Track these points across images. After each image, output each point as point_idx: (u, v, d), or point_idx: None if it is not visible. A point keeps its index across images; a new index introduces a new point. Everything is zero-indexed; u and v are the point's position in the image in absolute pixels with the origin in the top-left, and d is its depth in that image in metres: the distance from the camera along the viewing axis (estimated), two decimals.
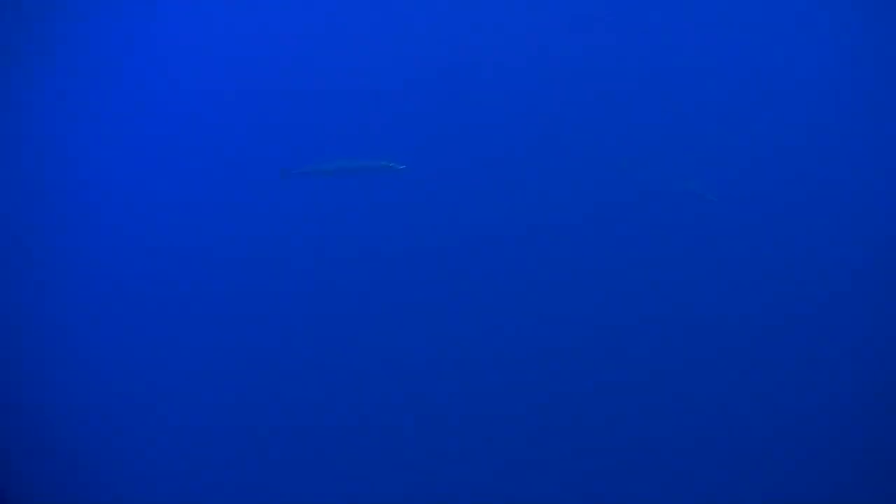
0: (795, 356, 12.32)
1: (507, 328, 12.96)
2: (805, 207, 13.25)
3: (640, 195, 13.56)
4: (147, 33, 14.57)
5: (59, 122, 14.18)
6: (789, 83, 13.83)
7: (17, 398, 12.41)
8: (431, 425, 12.41)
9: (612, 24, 14.42)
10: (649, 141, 13.83)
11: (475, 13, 14.66)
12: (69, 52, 14.19)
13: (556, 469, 12.03)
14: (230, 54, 14.66)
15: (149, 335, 13.10)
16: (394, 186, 13.74)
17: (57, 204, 13.93)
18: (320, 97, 14.58)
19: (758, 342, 12.49)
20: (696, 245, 13.18)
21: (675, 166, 13.59)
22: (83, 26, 14.29)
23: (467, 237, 13.61)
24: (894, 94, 13.16)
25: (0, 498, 11.61)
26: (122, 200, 14.08)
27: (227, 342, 13.11)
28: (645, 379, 12.46)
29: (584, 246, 13.30)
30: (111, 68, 14.45)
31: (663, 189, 12.82)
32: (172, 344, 13.03)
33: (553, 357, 12.71)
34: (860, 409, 11.87)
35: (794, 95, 13.77)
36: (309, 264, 13.65)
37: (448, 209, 13.79)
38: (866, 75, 13.42)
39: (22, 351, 12.74)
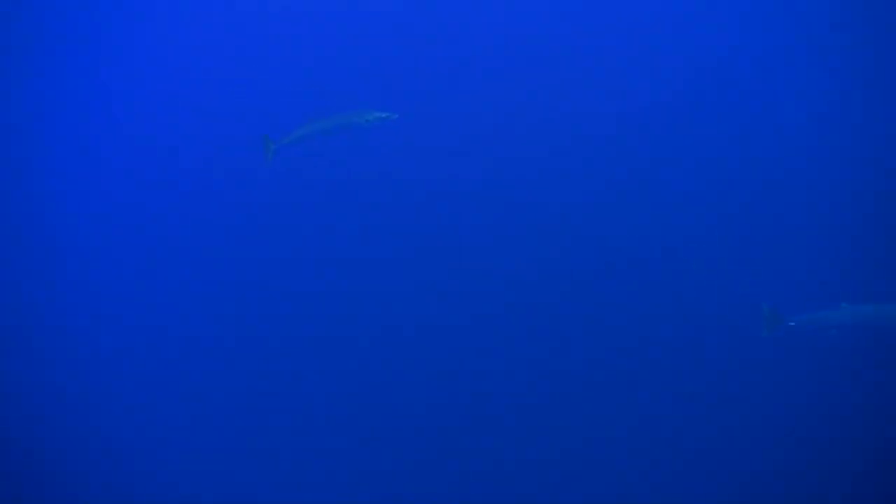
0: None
1: (504, 328, 12.99)
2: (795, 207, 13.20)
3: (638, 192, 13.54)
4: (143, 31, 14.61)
5: (57, 120, 14.25)
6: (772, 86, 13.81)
7: (16, 399, 12.53)
8: (425, 426, 12.48)
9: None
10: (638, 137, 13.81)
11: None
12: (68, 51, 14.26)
13: (554, 469, 12.08)
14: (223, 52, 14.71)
15: (143, 336, 13.21)
16: (390, 186, 13.81)
17: (53, 202, 14.03)
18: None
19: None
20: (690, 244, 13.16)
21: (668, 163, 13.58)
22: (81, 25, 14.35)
23: (464, 233, 13.62)
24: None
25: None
26: (118, 199, 14.16)
27: (223, 342, 13.20)
28: (640, 376, 12.48)
29: (579, 242, 13.29)
30: (108, 66, 14.51)
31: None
32: (164, 346, 13.14)
33: (550, 356, 12.75)
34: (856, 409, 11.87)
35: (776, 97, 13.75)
36: (305, 261, 13.71)
37: (445, 207, 13.79)
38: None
39: (21, 352, 12.87)
